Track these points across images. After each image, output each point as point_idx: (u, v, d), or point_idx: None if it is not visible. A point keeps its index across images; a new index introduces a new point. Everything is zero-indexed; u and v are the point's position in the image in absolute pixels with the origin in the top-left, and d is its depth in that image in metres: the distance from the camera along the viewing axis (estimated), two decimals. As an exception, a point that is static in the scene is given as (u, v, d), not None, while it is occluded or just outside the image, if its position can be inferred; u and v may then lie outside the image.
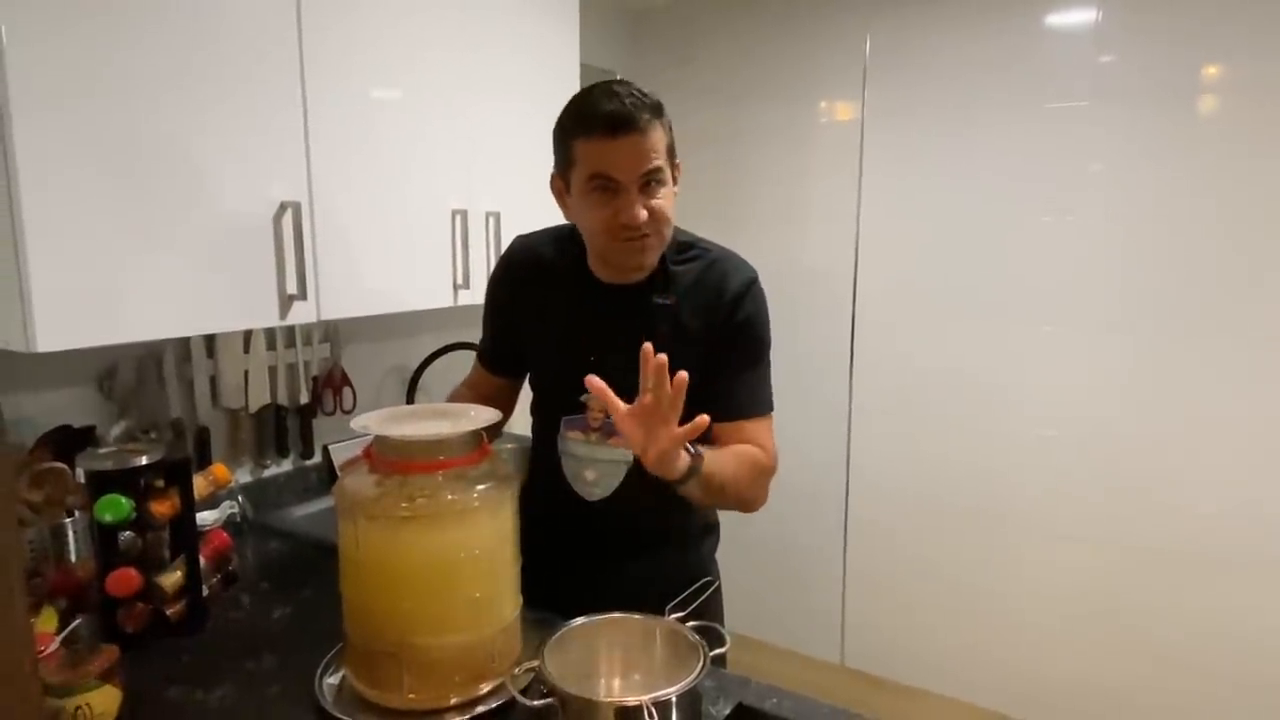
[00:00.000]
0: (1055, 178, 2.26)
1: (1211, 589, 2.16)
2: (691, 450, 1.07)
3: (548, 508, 1.33)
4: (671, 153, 1.16)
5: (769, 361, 1.27)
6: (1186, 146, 2.09)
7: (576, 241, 1.27)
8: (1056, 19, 2.22)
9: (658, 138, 1.11)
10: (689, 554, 1.38)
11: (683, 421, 1.00)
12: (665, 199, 1.14)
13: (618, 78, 1.17)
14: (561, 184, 1.20)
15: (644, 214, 1.11)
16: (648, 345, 0.98)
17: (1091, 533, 2.30)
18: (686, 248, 1.26)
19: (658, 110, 1.12)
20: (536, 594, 1.22)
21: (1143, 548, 2.23)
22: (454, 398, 1.41)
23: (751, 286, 1.25)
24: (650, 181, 1.12)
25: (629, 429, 1.01)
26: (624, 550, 1.32)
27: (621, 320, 1.22)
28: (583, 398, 1.25)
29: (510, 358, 1.39)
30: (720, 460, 1.13)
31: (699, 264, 1.25)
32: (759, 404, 1.25)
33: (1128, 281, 2.20)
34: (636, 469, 1.22)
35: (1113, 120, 2.16)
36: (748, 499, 1.23)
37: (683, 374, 0.97)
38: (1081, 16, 2.18)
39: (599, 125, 1.09)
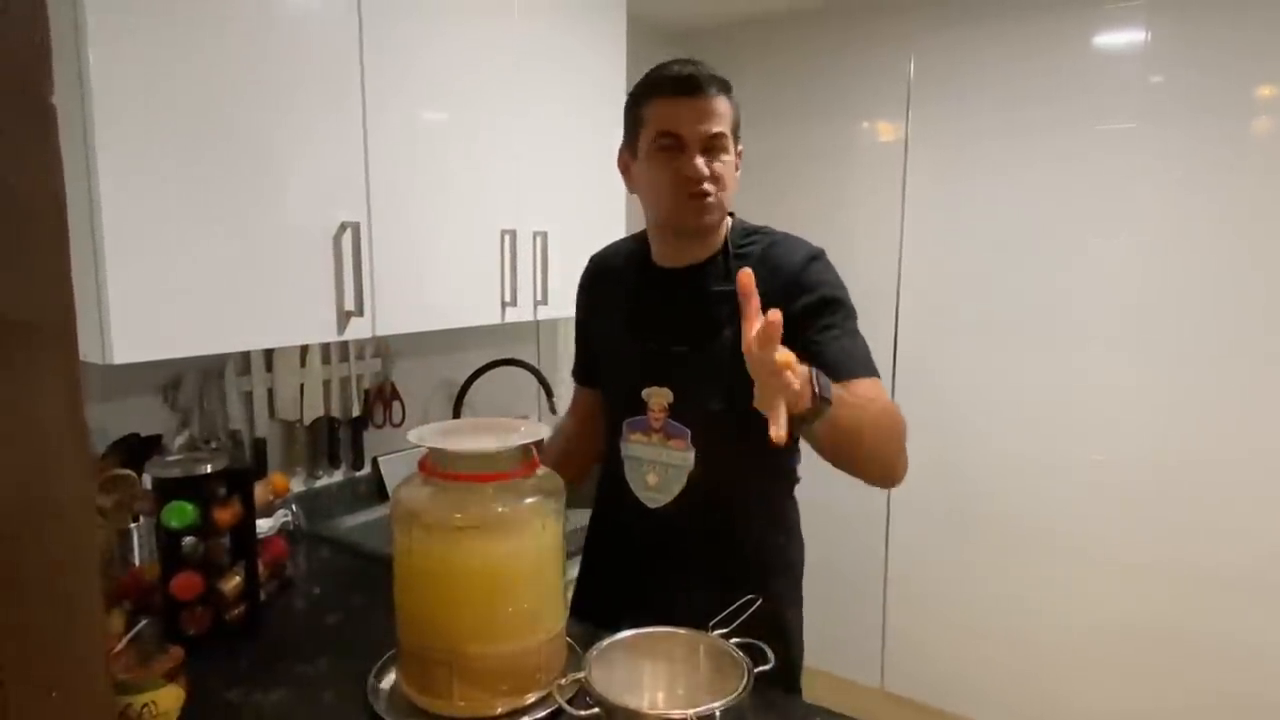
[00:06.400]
0: (1104, 200, 2.24)
1: (1270, 617, 2.09)
2: (815, 382, 0.96)
3: (613, 523, 1.34)
4: (736, 131, 1.20)
5: (858, 329, 1.19)
6: (1239, 168, 2.05)
7: (641, 240, 1.31)
8: (1105, 39, 2.20)
9: (723, 108, 1.16)
10: (757, 576, 1.26)
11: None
12: (727, 167, 1.18)
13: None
14: (629, 156, 1.25)
15: (706, 170, 1.15)
16: (745, 272, 0.92)
17: (1143, 559, 2.25)
18: (750, 233, 1.27)
19: (725, 86, 1.17)
20: (594, 607, 1.23)
21: (1198, 575, 2.18)
22: (551, 441, 1.40)
23: (814, 261, 1.21)
24: (714, 146, 1.16)
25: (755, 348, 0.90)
26: (687, 569, 1.27)
27: (684, 308, 1.23)
28: (644, 393, 1.25)
29: (596, 369, 1.41)
30: (849, 399, 1.02)
31: (759, 247, 1.24)
32: (861, 365, 1.15)
33: (1179, 303, 2.16)
34: (698, 474, 1.22)
35: (1163, 142, 2.14)
36: (889, 450, 1.11)
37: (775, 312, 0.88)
38: (1131, 37, 2.16)
39: (669, 86, 1.16)
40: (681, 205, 1.18)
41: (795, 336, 1.11)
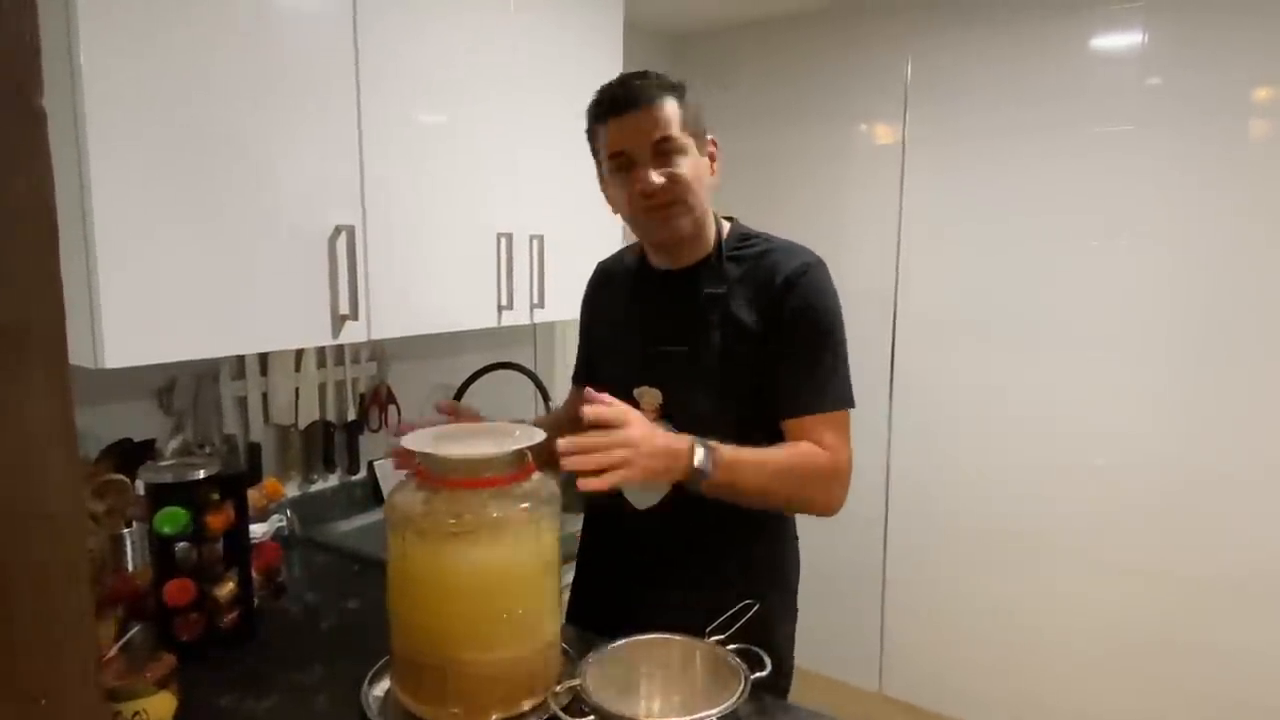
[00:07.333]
0: (1102, 202, 2.23)
1: (1268, 624, 2.09)
2: (705, 448, 1.06)
3: (607, 527, 1.33)
4: (694, 129, 1.18)
5: (839, 353, 1.20)
6: (1236, 170, 2.05)
7: (640, 244, 1.32)
8: (1103, 41, 2.20)
9: (668, 111, 1.15)
10: (749, 578, 1.26)
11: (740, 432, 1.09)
12: (685, 167, 1.16)
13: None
14: (603, 179, 1.26)
15: (659, 179, 1.15)
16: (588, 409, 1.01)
17: (1141, 563, 2.25)
18: (747, 238, 1.26)
19: (670, 88, 1.16)
20: (588, 613, 1.22)
21: (1196, 580, 2.17)
22: (538, 421, 1.42)
23: (806, 272, 1.19)
24: (664, 151, 1.15)
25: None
26: (680, 574, 1.26)
27: (675, 310, 1.24)
28: (635, 392, 1.25)
29: (596, 372, 1.41)
30: (752, 459, 1.10)
31: (754, 252, 1.23)
32: (824, 399, 1.18)
33: (1177, 307, 2.16)
34: None
35: (1160, 144, 2.14)
36: (803, 499, 1.19)
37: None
38: (1128, 39, 2.16)
39: (606, 107, 1.17)
40: (649, 221, 1.19)
41: (772, 346, 1.18)
